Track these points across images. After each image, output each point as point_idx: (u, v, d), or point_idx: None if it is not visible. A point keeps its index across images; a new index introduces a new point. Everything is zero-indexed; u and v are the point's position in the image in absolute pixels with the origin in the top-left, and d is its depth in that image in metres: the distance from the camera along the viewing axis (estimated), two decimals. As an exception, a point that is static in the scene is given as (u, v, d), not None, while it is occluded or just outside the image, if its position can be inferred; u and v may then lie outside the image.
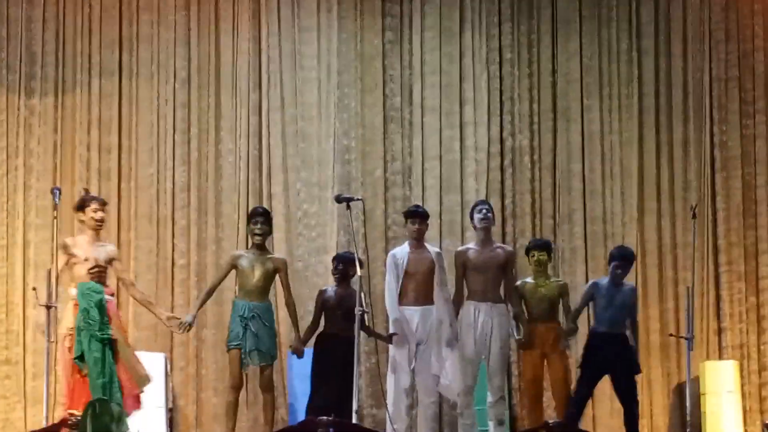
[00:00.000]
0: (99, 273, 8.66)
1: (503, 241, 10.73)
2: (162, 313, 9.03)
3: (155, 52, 11.12)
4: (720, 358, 10.89)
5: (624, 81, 11.35)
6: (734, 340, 11.02)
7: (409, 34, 11.30)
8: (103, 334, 8.34)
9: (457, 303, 9.21)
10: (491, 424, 9.17)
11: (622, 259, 9.32)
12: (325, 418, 7.77)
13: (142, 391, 8.64)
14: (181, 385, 10.65)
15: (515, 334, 9.35)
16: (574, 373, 9.40)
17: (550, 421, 8.67)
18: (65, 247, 8.72)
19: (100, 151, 10.96)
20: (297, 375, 9.95)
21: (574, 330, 9.40)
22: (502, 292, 9.27)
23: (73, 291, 8.54)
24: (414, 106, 11.21)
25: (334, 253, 10.56)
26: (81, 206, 8.83)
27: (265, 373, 9.00)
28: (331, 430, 7.67)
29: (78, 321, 8.41)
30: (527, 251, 9.64)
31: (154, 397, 9.46)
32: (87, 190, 9.29)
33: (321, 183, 11.03)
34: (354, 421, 8.25)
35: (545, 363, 9.40)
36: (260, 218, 9.11)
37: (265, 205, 10.85)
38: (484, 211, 9.24)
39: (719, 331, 11.03)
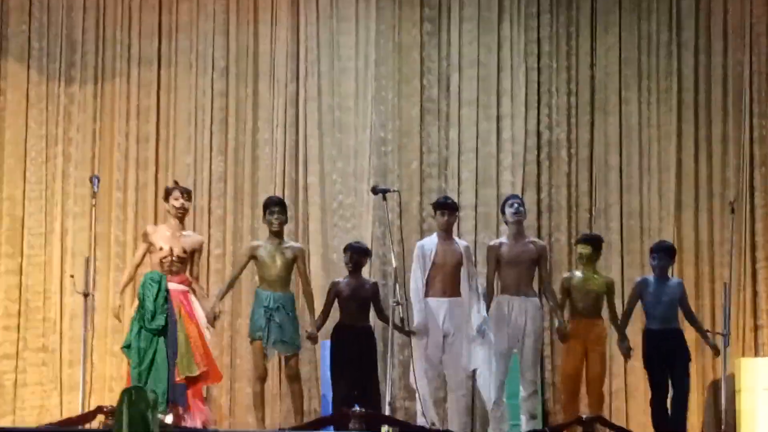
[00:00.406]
0: (171, 262, 8.79)
1: (538, 235, 10.71)
2: (207, 310, 9.09)
3: (194, 42, 11.17)
4: (756, 355, 10.80)
5: (663, 74, 11.27)
6: (771, 337, 10.95)
7: (447, 25, 11.27)
8: (152, 325, 8.43)
9: (488, 297, 9.21)
10: (524, 419, 9.17)
11: (661, 250, 9.36)
12: (357, 409, 7.81)
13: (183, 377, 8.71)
14: (215, 374, 10.71)
15: (557, 322, 9.34)
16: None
17: (583, 416, 8.67)
18: (145, 235, 9.03)
19: (138, 140, 11.03)
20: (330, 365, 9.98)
21: (628, 348, 9.40)
22: (535, 286, 9.25)
23: None
24: (451, 98, 11.19)
25: (369, 245, 10.61)
26: (166, 195, 9.14)
27: (290, 363, 9.07)
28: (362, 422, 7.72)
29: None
30: (576, 244, 9.66)
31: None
32: (176, 182, 9.41)
33: (357, 174, 11.03)
34: (387, 413, 8.30)
35: (585, 358, 9.39)
36: (276, 207, 9.16)
37: (301, 195, 10.91)
38: (516, 205, 9.24)
39: (755, 328, 10.93)
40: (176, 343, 8.60)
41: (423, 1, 11.25)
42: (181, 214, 9.10)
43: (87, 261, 8.79)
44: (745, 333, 10.92)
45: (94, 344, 10.17)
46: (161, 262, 8.88)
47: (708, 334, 9.66)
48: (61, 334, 10.67)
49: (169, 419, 8.29)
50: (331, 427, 8.19)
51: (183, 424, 8.57)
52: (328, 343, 9.71)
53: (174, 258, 8.89)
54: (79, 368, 9.00)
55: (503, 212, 9.35)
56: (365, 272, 9.77)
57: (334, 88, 11.16)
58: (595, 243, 9.59)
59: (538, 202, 11.04)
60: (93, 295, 8.74)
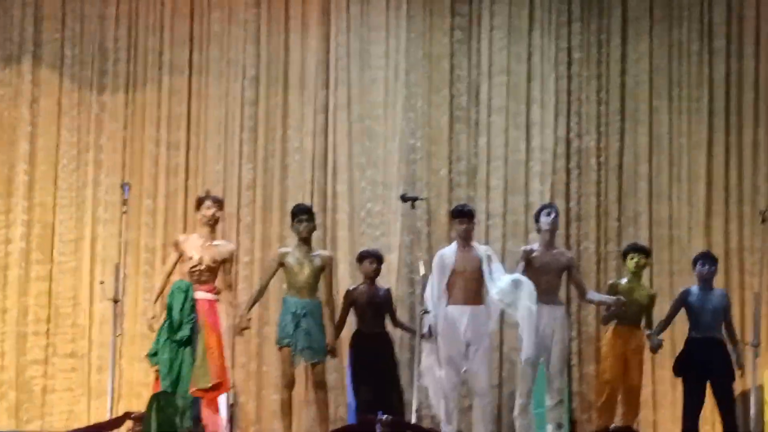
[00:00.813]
0: (200, 272, 8.82)
1: (567, 243, 10.72)
2: (237, 319, 9.13)
3: (225, 50, 11.24)
4: (786, 366, 10.72)
5: (694, 83, 11.20)
6: (801, 347, 10.84)
7: (477, 34, 11.26)
8: (177, 336, 8.46)
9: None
10: (550, 427, 9.14)
11: (705, 257, 9.42)
12: (384, 416, 7.80)
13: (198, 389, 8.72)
14: (242, 381, 10.75)
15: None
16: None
17: (611, 426, 8.64)
18: (176, 244, 9.05)
19: (169, 147, 11.12)
20: (350, 373, 10.00)
21: (659, 343, 9.41)
22: (562, 294, 9.25)
23: None
24: (480, 106, 11.18)
25: (397, 253, 10.63)
26: (198, 204, 9.17)
27: (316, 370, 9.07)
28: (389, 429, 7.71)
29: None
30: (624, 254, 9.66)
31: (215, 394, 9.55)
32: (208, 191, 9.46)
33: (386, 182, 11.04)
34: (414, 420, 8.29)
35: (625, 366, 9.37)
36: (305, 215, 9.16)
37: (330, 203, 10.94)
38: (552, 215, 9.26)
39: (785, 339, 10.85)
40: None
41: (453, 10, 11.25)
42: (213, 223, 9.13)
43: (117, 267, 8.83)
44: (774, 344, 10.82)
45: (123, 350, 10.22)
46: (191, 271, 8.90)
47: (738, 347, 9.55)
48: (90, 340, 10.77)
49: None
50: (357, 435, 8.20)
51: None
52: (353, 351, 9.74)
53: (203, 267, 8.92)
54: (107, 374, 9.04)
55: (537, 220, 9.35)
56: (392, 279, 9.79)
57: (364, 96, 11.18)
58: (649, 253, 9.73)
59: (567, 210, 11.00)
60: (122, 301, 8.78)
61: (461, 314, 9.02)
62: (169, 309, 8.58)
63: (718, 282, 10.73)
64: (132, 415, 7.92)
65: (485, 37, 11.24)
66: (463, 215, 9.21)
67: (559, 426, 9.16)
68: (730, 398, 9.27)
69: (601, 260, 10.89)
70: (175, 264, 9.10)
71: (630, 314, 9.41)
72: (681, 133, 11.16)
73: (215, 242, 9.12)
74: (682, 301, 9.41)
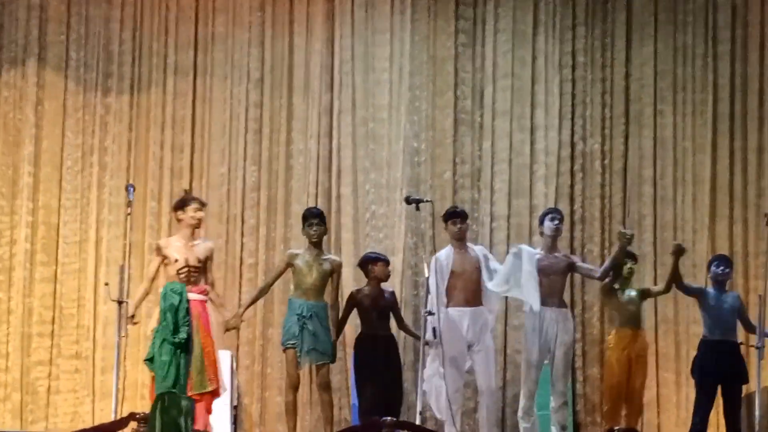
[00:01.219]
0: (188, 273, 8.80)
1: (571, 246, 10.76)
2: (227, 317, 9.11)
3: (229, 53, 11.25)
4: (791, 368, 10.71)
5: (699, 86, 11.20)
6: (806, 350, 10.82)
7: (482, 37, 11.27)
8: (175, 338, 8.45)
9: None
10: (554, 429, 9.14)
11: (720, 259, 9.44)
12: (389, 418, 7.79)
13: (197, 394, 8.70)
14: (246, 383, 10.76)
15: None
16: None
17: (616, 428, 8.62)
18: (159, 249, 8.97)
19: (173, 149, 11.14)
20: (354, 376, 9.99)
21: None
22: (566, 297, 9.24)
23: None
24: (485, 109, 11.18)
25: (401, 255, 10.63)
26: (182, 205, 9.06)
27: (321, 372, 9.05)
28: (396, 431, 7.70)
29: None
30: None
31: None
32: (187, 191, 9.43)
33: (390, 185, 11.05)
34: (418, 422, 8.29)
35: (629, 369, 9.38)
36: (315, 219, 9.15)
37: (334, 205, 10.94)
38: (556, 220, 9.27)
39: (790, 341, 10.83)
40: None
41: (458, 14, 11.27)
42: (198, 226, 9.08)
43: (121, 269, 8.82)
44: (780, 346, 10.80)
45: (127, 351, 10.20)
46: (178, 274, 8.82)
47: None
48: (94, 341, 10.77)
49: None
50: (362, 437, 8.19)
51: None
52: (357, 353, 9.73)
53: (191, 268, 8.87)
54: (111, 375, 9.04)
55: (541, 223, 9.36)
56: (396, 281, 9.78)
57: (368, 99, 11.19)
58: (637, 259, 9.76)
59: (572, 213, 11.00)
60: (127, 303, 8.77)
61: (462, 316, 9.05)
62: (165, 312, 8.52)
63: (722, 285, 10.79)
64: (136, 416, 7.91)
65: (489, 41, 11.25)
66: (456, 216, 9.26)
67: (563, 428, 9.15)
68: (738, 402, 9.26)
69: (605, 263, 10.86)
70: (158, 269, 9.03)
71: (630, 316, 9.40)
72: (685, 136, 11.16)
73: (196, 242, 9.04)
74: (699, 292, 9.38)
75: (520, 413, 9.13)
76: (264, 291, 9.45)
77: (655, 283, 10.57)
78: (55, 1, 11.19)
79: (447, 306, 9.02)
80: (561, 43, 11.24)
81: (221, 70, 11.24)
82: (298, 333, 8.95)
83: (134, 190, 9.15)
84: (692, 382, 9.45)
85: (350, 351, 10.32)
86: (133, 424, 7.89)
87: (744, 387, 9.49)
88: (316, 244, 9.14)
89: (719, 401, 9.30)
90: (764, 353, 9.27)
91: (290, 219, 10.96)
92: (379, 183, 11.08)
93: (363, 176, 11.08)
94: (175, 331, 8.42)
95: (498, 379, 10.23)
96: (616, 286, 9.48)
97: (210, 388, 8.78)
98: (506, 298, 9.41)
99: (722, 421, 9.53)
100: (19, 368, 10.69)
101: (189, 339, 8.47)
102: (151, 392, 8.68)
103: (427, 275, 8.71)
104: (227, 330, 9.14)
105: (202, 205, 9.08)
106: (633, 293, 9.44)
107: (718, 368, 9.15)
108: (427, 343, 8.83)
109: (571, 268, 9.36)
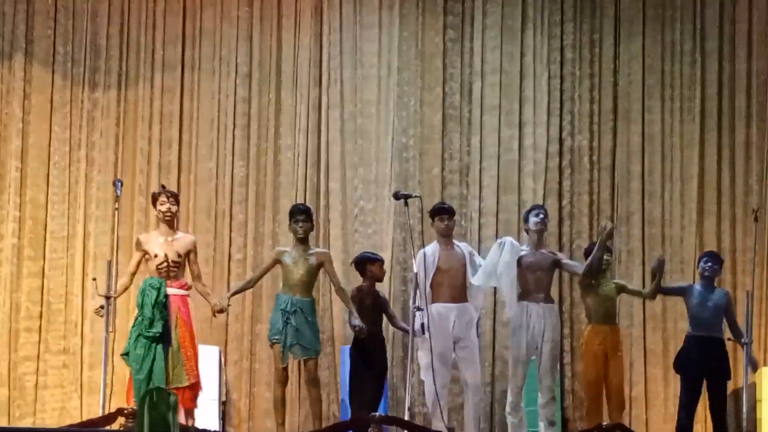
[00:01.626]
0: (167, 268, 8.78)
1: (560, 242, 10.80)
2: (215, 302, 9.09)
3: (217, 48, 11.24)
4: (778, 364, 10.75)
5: (686, 83, 11.24)
6: (793, 346, 10.88)
7: (470, 33, 11.28)
8: (149, 332, 8.43)
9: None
10: (542, 425, 9.14)
11: (710, 255, 9.44)
12: (377, 414, 7.79)
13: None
14: (234, 378, 10.75)
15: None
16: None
17: (604, 424, 8.63)
18: (138, 244, 8.97)
19: (161, 144, 11.11)
20: (349, 370, 10.00)
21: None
22: (553, 293, 9.24)
23: None
24: (473, 105, 11.19)
25: (390, 251, 10.62)
26: (153, 201, 9.10)
27: (309, 367, 9.02)
28: (383, 426, 7.70)
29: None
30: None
31: (207, 390, 9.51)
32: (163, 186, 9.41)
33: (378, 180, 11.05)
34: (406, 418, 8.28)
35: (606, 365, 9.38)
36: (302, 215, 9.12)
37: (322, 201, 10.93)
38: (540, 215, 9.25)
39: (777, 337, 10.89)
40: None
41: (446, 9, 11.27)
42: (170, 218, 9.00)
43: (109, 264, 8.78)
44: (766, 342, 10.85)
45: (115, 347, 10.17)
46: (158, 269, 8.81)
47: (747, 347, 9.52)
48: (82, 336, 10.74)
49: None
50: (350, 432, 8.18)
51: None
52: (347, 348, 9.71)
53: (170, 263, 8.86)
54: (99, 370, 9.03)
55: (526, 220, 9.34)
56: (385, 277, 9.76)
57: (357, 94, 11.19)
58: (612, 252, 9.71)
59: (560, 209, 11.03)
60: (115, 298, 8.74)
61: (448, 311, 9.04)
62: (141, 306, 8.53)
63: (710, 280, 10.81)
64: (125, 412, 7.89)
65: (478, 36, 11.26)
66: (443, 212, 9.26)
67: (551, 423, 9.15)
68: (723, 397, 9.28)
69: (593, 259, 10.88)
70: (138, 264, 9.02)
71: (604, 311, 9.39)
72: (673, 132, 11.19)
73: (176, 236, 9.03)
74: (684, 291, 9.40)
75: (507, 409, 9.13)
76: (250, 283, 9.45)
77: (643, 281, 10.60)
78: (41, -5, 11.16)
79: (433, 302, 9.00)
80: (549, 39, 11.26)
81: (209, 65, 11.21)
82: (282, 328, 8.93)
83: (122, 185, 9.09)
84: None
85: (338, 347, 10.35)
86: (121, 420, 7.87)
87: (730, 383, 9.53)
88: (302, 240, 9.11)
89: (706, 396, 9.32)
90: (751, 349, 9.32)
91: (278, 214, 10.95)
92: (367, 178, 11.07)
93: (351, 172, 11.07)
94: (150, 325, 8.42)
95: (485, 374, 10.25)
96: (593, 281, 9.48)
97: (187, 383, 8.75)
98: (494, 294, 9.38)
99: (709, 417, 9.56)
100: (6, 364, 10.65)
101: (165, 333, 8.46)
102: (129, 386, 8.66)
103: (416, 270, 8.69)
104: (216, 313, 9.09)
105: (170, 196, 9.01)
106: (609, 288, 9.43)
107: (701, 364, 9.16)
108: (415, 335, 8.83)
109: (557, 264, 9.36)
